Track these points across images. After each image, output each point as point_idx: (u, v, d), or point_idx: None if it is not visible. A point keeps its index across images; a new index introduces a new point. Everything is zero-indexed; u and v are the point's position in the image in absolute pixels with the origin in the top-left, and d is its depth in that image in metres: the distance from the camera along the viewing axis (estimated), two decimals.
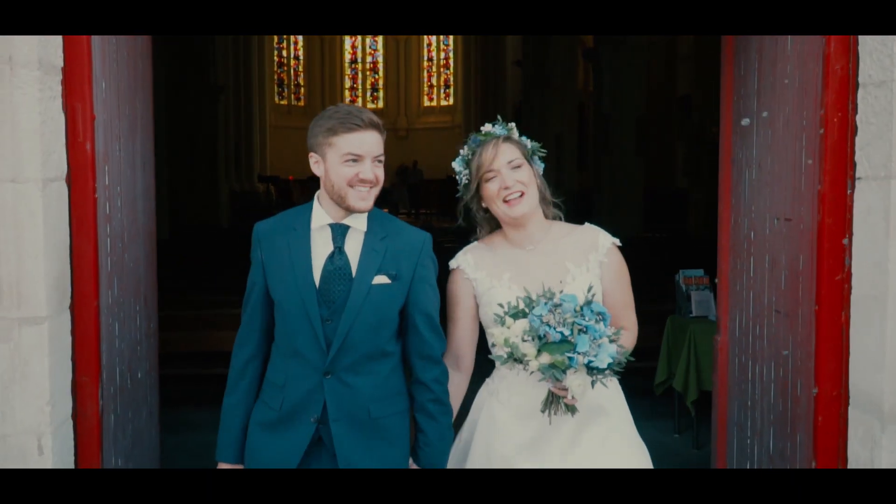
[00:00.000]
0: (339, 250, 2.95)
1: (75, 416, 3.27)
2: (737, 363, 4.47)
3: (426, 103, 38.79)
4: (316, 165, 2.97)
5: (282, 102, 38.17)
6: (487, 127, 3.25)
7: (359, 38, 38.25)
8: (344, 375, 2.94)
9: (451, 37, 35.36)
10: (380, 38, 38.05)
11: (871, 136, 3.26)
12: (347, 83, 39.94)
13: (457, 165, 3.27)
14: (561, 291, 2.94)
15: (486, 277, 3.20)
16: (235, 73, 27.02)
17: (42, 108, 3.01)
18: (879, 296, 3.23)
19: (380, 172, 2.95)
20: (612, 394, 3.23)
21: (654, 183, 19.66)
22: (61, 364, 3.17)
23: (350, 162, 2.89)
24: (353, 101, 37.32)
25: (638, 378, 6.99)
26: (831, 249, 3.47)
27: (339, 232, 2.95)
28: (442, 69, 38.64)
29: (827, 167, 3.46)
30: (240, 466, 3.03)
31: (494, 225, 3.32)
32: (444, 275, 3.20)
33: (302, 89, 39.08)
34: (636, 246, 11.77)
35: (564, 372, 2.84)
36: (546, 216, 3.29)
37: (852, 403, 3.42)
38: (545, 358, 2.83)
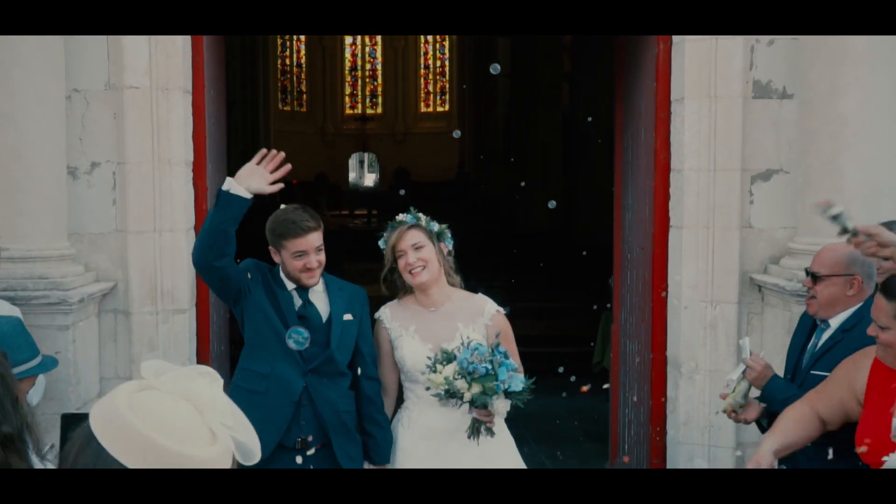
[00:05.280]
0: (307, 302, 4.02)
1: None
2: (622, 342, 6.62)
3: (423, 109, 39.24)
4: (275, 255, 4.02)
5: (285, 108, 38.68)
6: (401, 216, 4.14)
7: (358, 46, 38.82)
8: (319, 377, 3.97)
9: (447, 45, 36.12)
10: (378, 47, 38.59)
11: (676, 202, 5.43)
12: (347, 89, 40.13)
13: (381, 244, 4.14)
14: (469, 344, 3.78)
15: (397, 327, 4.11)
16: (243, 83, 28.80)
17: (185, 187, 5.19)
18: (677, 297, 5.42)
19: (321, 256, 3.97)
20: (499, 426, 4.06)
21: None
22: (192, 337, 5.34)
23: (298, 256, 3.93)
24: (353, 107, 38.13)
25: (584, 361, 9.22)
26: (659, 269, 5.64)
27: (304, 293, 4.04)
28: (438, 76, 39.10)
29: (657, 218, 5.62)
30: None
31: (411, 289, 4.16)
32: None
33: (304, 96, 39.44)
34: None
35: (492, 397, 3.67)
36: (450, 284, 4.18)
37: (668, 364, 5.59)
38: (476, 388, 3.66)
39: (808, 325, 4.04)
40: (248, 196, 3.78)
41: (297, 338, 3.81)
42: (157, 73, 5.05)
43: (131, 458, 1.42)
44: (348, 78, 40.31)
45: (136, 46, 5.03)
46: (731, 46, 5.18)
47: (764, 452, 3.38)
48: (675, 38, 5.36)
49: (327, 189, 28.33)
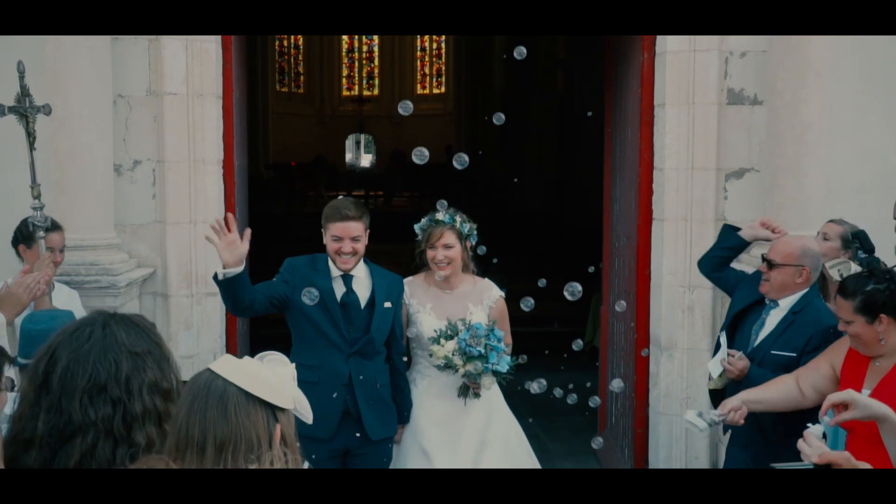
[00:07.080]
0: (349, 290, 4.56)
1: (227, 345, 6.01)
2: (610, 323, 7.23)
3: (419, 91, 39.16)
4: (324, 236, 4.54)
5: (283, 90, 38.50)
6: (440, 214, 4.75)
7: None
8: (361, 358, 4.54)
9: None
10: None
11: (658, 197, 6.02)
12: (345, 71, 39.98)
13: (417, 228, 4.78)
14: (470, 322, 4.53)
15: (415, 304, 4.81)
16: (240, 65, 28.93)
17: (217, 183, 5.78)
18: (658, 283, 6.02)
19: (358, 245, 4.47)
20: (496, 392, 4.87)
21: None
22: (222, 317, 5.93)
23: (335, 240, 4.48)
24: (350, 89, 38.10)
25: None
26: (643, 256, 6.23)
27: (348, 281, 4.58)
28: (434, 58, 39.00)
29: (641, 211, 6.21)
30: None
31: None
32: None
33: (302, 77, 39.22)
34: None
35: (481, 375, 4.48)
36: (465, 271, 4.84)
37: (651, 341, 6.20)
38: (470, 366, 4.45)
39: (756, 296, 4.48)
40: (239, 271, 4.17)
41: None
42: (193, 81, 5.64)
43: (244, 382, 2.23)
44: (345, 60, 40.04)
45: (174, 57, 5.62)
46: (708, 58, 5.77)
47: (735, 397, 4.01)
48: (658, 49, 5.95)
49: (325, 170, 28.78)
